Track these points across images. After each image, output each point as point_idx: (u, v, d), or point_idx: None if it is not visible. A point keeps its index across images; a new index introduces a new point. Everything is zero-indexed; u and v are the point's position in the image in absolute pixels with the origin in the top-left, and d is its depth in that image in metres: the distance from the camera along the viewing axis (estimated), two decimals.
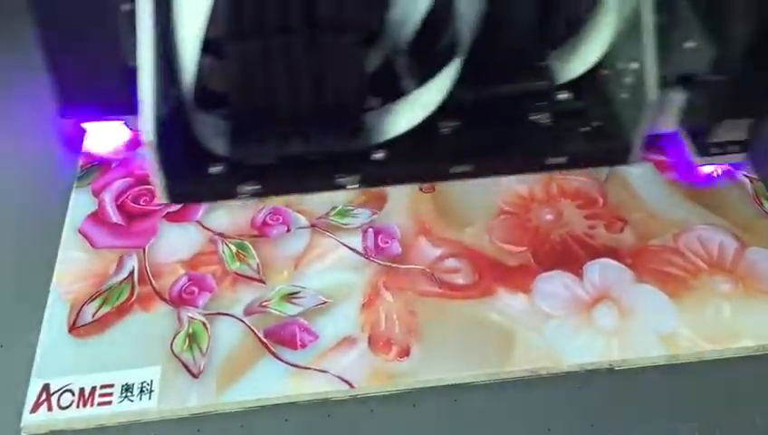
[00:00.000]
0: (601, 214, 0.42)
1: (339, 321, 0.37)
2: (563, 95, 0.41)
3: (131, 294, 0.38)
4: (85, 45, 0.37)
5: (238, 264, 0.40)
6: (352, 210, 0.42)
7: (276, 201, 0.43)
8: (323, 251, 0.40)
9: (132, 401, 0.34)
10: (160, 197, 0.37)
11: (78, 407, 0.34)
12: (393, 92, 0.39)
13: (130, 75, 0.35)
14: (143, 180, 0.44)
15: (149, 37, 0.34)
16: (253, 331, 0.37)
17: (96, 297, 0.38)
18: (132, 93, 0.35)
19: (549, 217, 0.42)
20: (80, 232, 0.41)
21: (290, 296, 0.38)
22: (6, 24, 0.55)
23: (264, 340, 0.36)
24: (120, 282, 0.39)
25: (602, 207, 0.42)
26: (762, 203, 0.42)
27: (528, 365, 0.36)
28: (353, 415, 0.35)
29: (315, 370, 0.35)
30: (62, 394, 0.35)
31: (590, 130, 0.40)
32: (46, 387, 0.35)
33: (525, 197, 0.43)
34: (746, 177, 0.44)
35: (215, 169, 0.37)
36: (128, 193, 0.43)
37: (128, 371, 0.35)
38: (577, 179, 0.44)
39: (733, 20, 0.36)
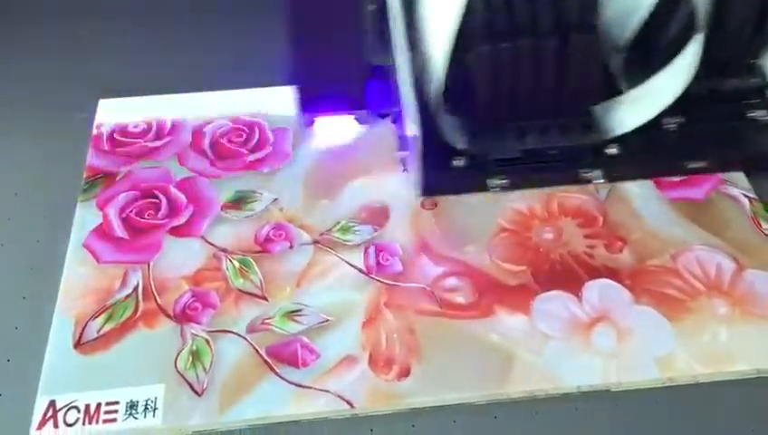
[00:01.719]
0: (601, 233, 0.42)
1: (340, 339, 0.38)
2: None
3: (136, 310, 0.39)
4: (329, 43, 0.39)
5: (242, 280, 0.40)
6: (354, 226, 0.43)
7: (279, 217, 0.43)
8: (325, 268, 0.41)
9: (137, 418, 0.35)
10: (415, 191, 0.38)
11: (84, 424, 0.35)
12: (608, 91, 0.38)
13: (369, 72, 0.38)
14: (148, 193, 0.44)
15: (404, 35, 0.35)
16: (255, 349, 0.37)
17: (101, 313, 0.39)
18: (367, 90, 0.39)
19: (549, 235, 0.42)
20: (84, 246, 0.41)
21: (292, 314, 0.39)
22: (8, 35, 0.55)
23: (267, 358, 0.37)
24: (125, 297, 0.39)
25: (602, 226, 0.43)
26: (760, 224, 0.43)
27: (526, 387, 0.36)
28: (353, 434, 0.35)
29: (317, 389, 0.36)
30: (67, 411, 0.35)
31: None
32: (52, 404, 0.35)
33: (526, 214, 0.43)
34: (745, 197, 0.44)
35: (458, 163, 0.37)
36: (132, 207, 0.43)
37: (132, 388, 0.36)
38: (578, 197, 0.44)
39: None
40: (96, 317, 0.38)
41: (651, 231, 0.42)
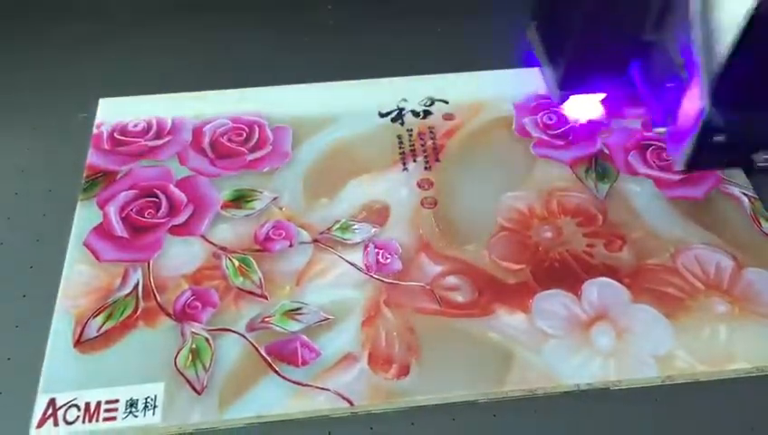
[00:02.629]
0: (601, 232, 0.42)
1: (340, 338, 0.38)
2: None
3: (136, 308, 0.39)
4: (612, 18, 0.38)
5: (241, 279, 0.40)
6: (354, 225, 0.43)
7: (279, 215, 0.43)
8: (325, 267, 0.41)
9: (137, 416, 0.35)
10: (678, 166, 0.37)
11: (84, 422, 0.35)
12: None
13: (635, 53, 0.37)
14: (148, 192, 0.44)
15: (699, 7, 0.34)
16: (255, 347, 0.37)
17: (101, 312, 0.39)
18: (633, 68, 0.38)
19: (548, 234, 0.42)
20: (85, 245, 0.41)
21: (292, 313, 0.39)
22: (9, 33, 0.56)
23: (267, 356, 0.37)
24: (125, 296, 0.39)
25: (602, 225, 0.43)
26: (760, 223, 0.43)
27: (526, 385, 0.36)
28: (353, 433, 0.35)
29: (316, 387, 0.36)
30: (67, 409, 0.35)
31: None
32: (52, 402, 0.35)
33: (525, 213, 0.43)
34: (745, 196, 0.44)
35: (718, 139, 0.37)
36: (132, 206, 0.43)
37: (132, 386, 0.36)
38: (578, 196, 0.44)
39: None
40: (96, 316, 0.38)
41: (651, 230, 0.42)
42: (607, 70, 0.41)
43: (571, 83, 0.41)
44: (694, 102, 0.35)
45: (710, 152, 0.37)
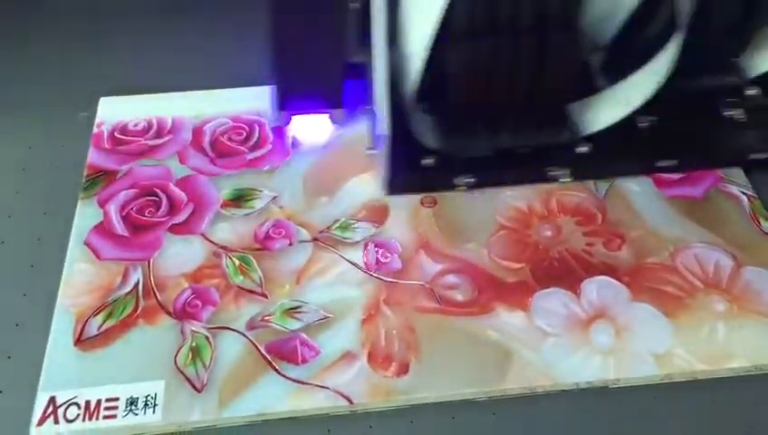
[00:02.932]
0: (600, 231, 0.42)
1: (339, 336, 0.38)
2: (752, 91, 0.40)
3: (136, 307, 0.39)
4: (308, 42, 0.39)
5: (241, 277, 0.40)
6: (354, 224, 0.43)
7: (279, 214, 0.43)
8: (325, 265, 0.41)
9: (137, 414, 0.35)
10: (382, 189, 0.38)
11: (84, 420, 0.35)
12: (586, 89, 0.39)
13: (348, 71, 0.38)
14: (148, 191, 0.44)
15: (384, 35, 0.35)
16: (255, 345, 0.37)
17: (101, 310, 0.39)
18: (345, 88, 0.38)
19: (548, 233, 0.42)
20: (85, 244, 0.42)
21: (291, 311, 0.39)
22: (10, 32, 0.56)
23: (266, 355, 0.37)
24: (125, 295, 0.39)
25: (601, 224, 0.43)
26: (759, 222, 0.43)
27: (525, 383, 0.36)
28: (352, 431, 0.35)
29: (316, 385, 0.36)
30: (68, 407, 0.35)
31: None
32: (53, 400, 0.35)
33: (525, 212, 0.43)
34: (744, 195, 0.44)
35: (427, 162, 0.37)
36: (133, 204, 0.44)
37: (132, 384, 0.36)
38: (577, 195, 0.44)
39: None
40: (96, 314, 0.39)
41: (650, 229, 0.42)
42: (321, 90, 0.42)
43: (287, 104, 0.43)
44: (381, 126, 0.36)
45: (414, 175, 0.38)
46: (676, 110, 0.39)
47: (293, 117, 0.45)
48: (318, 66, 0.41)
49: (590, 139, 0.38)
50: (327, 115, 0.45)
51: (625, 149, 0.39)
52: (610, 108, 0.38)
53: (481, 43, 0.35)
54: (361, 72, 0.40)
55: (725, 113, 0.40)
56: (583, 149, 0.38)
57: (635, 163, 0.40)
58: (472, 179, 0.38)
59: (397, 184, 0.38)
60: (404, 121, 0.37)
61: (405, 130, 0.37)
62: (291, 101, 0.43)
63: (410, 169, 0.37)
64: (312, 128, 0.46)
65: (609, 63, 0.39)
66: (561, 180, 0.39)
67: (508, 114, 0.38)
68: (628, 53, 0.38)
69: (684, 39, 0.36)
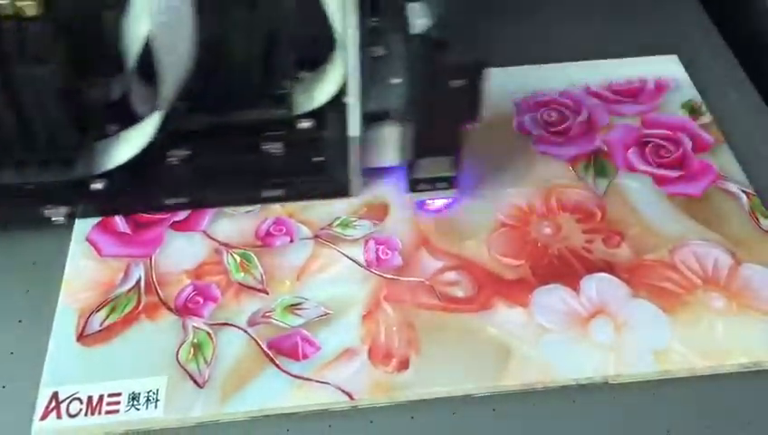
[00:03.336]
0: (599, 228, 0.43)
1: (340, 332, 0.38)
2: (305, 124, 0.41)
3: (138, 303, 0.39)
4: None
5: (242, 274, 0.41)
6: (354, 221, 0.43)
7: (280, 211, 0.43)
8: (326, 262, 0.41)
9: (139, 409, 0.35)
10: None
11: (86, 415, 0.35)
12: (133, 120, 0.39)
13: None
14: None
15: None
16: (256, 341, 0.38)
17: (104, 306, 0.39)
18: None
19: (548, 230, 0.43)
20: (87, 241, 0.42)
21: (292, 307, 0.39)
22: None
23: (268, 351, 0.37)
24: (127, 291, 0.40)
25: (600, 221, 0.43)
26: (757, 219, 0.43)
27: (525, 379, 0.36)
28: (353, 426, 0.36)
29: (317, 381, 0.36)
30: (70, 402, 0.35)
31: (323, 161, 0.42)
32: (55, 395, 0.36)
33: (525, 210, 0.44)
34: (743, 192, 0.44)
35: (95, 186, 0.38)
36: None
37: (135, 380, 0.36)
38: (577, 193, 0.44)
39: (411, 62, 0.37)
40: (99, 310, 0.39)
41: (649, 226, 0.43)
42: None
43: None
44: None
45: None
46: (213, 144, 0.40)
47: None
48: None
49: (108, 175, 0.39)
50: None
51: (140, 186, 0.40)
52: (127, 144, 0.39)
53: None
54: None
55: (264, 147, 0.41)
56: (98, 185, 0.39)
57: (144, 200, 0.42)
58: None
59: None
60: None
61: None
62: None
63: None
64: None
65: (145, 95, 0.39)
66: (54, 219, 0.40)
67: (6, 149, 0.38)
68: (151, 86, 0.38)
69: (214, 72, 0.37)
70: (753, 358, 0.37)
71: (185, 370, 0.37)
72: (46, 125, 0.37)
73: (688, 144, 0.47)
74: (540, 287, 0.40)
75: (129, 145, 0.39)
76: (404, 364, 0.37)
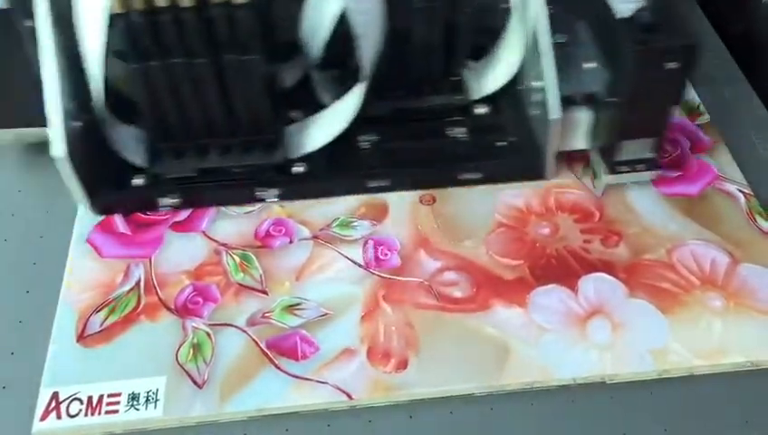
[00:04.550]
0: (597, 228, 0.43)
1: (339, 333, 0.38)
2: (481, 110, 0.42)
3: (138, 304, 0.39)
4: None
5: (242, 274, 0.41)
6: (353, 222, 0.43)
7: (279, 212, 0.44)
8: (325, 263, 0.41)
9: (138, 409, 0.36)
10: (86, 209, 0.39)
11: (86, 415, 0.35)
12: (313, 106, 0.40)
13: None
14: None
15: (51, 51, 0.36)
16: (255, 342, 0.38)
17: (104, 307, 0.39)
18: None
19: (546, 230, 0.43)
20: (87, 241, 0.42)
21: (292, 308, 0.39)
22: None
23: (267, 351, 0.38)
24: (127, 292, 0.40)
25: (598, 221, 0.43)
26: (755, 219, 0.43)
27: (522, 378, 0.37)
28: (352, 426, 0.36)
29: (316, 381, 0.36)
30: (70, 402, 0.36)
31: (507, 145, 0.43)
32: (55, 395, 0.36)
33: (523, 210, 0.44)
34: (741, 192, 0.44)
35: (137, 181, 0.38)
36: None
37: (134, 380, 0.36)
38: (574, 193, 0.45)
39: (618, 46, 0.37)
40: (99, 311, 0.39)
41: (647, 226, 0.43)
42: (19, 106, 0.41)
43: None
44: (55, 150, 0.36)
45: (115, 196, 0.40)
46: (400, 129, 0.41)
47: None
48: (12, 84, 0.41)
49: (307, 158, 0.40)
50: None
51: (339, 169, 0.41)
52: (322, 129, 0.39)
53: (152, 64, 0.35)
54: None
55: (448, 132, 0.42)
56: (299, 169, 0.39)
57: (347, 183, 0.42)
58: (177, 200, 0.38)
59: (99, 204, 0.39)
60: (100, 139, 0.37)
61: (105, 149, 0.37)
62: None
63: (116, 189, 0.38)
64: None
65: (326, 82, 0.40)
66: (268, 201, 0.40)
67: (211, 135, 0.38)
68: (337, 71, 0.39)
69: (386, 61, 0.38)
70: (750, 357, 0.37)
71: (184, 370, 0.37)
72: (249, 110, 0.38)
73: (686, 144, 0.47)
74: (538, 287, 0.40)
75: (328, 127, 0.39)
76: (403, 364, 0.37)
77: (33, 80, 0.38)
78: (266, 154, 0.39)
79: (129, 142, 0.38)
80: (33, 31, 0.37)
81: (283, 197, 0.41)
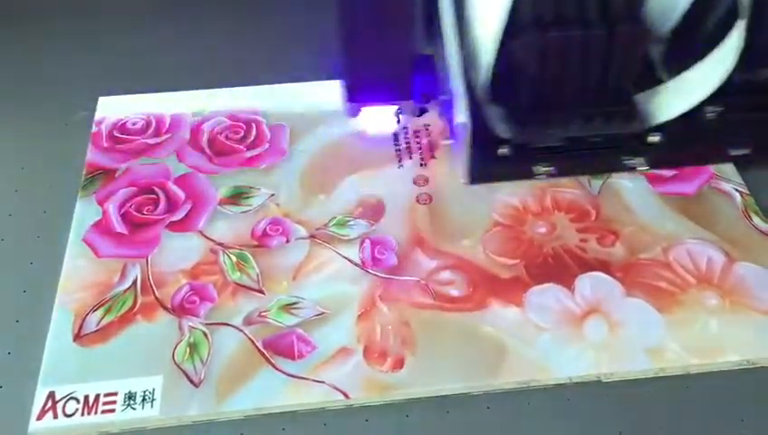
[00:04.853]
0: (594, 227, 0.43)
1: (335, 332, 0.38)
2: None
3: (134, 303, 0.39)
4: (377, 33, 0.40)
5: (238, 274, 0.41)
6: (350, 221, 0.43)
7: (276, 211, 0.44)
8: (322, 262, 0.41)
9: (135, 409, 0.36)
10: (463, 179, 0.39)
11: (82, 414, 0.35)
12: (648, 81, 0.39)
13: (416, 63, 0.39)
14: (146, 189, 0.45)
15: (454, 23, 0.36)
16: (252, 341, 0.38)
17: (100, 306, 0.39)
18: (414, 80, 0.39)
19: (542, 229, 0.43)
20: (84, 241, 0.42)
21: (288, 307, 0.39)
22: (10, 31, 0.56)
23: (263, 350, 0.38)
24: (124, 291, 0.40)
25: (595, 220, 0.43)
26: (751, 217, 0.43)
27: (519, 377, 0.37)
28: (348, 425, 0.36)
29: (312, 380, 0.36)
30: (67, 402, 0.36)
31: None
32: (52, 395, 0.36)
33: (520, 209, 0.44)
34: (737, 191, 0.44)
35: (503, 151, 0.37)
36: (131, 202, 0.44)
37: (131, 379, 0.36)
38: (571, 192, 0.45)
39: None
40: (95, 310, 0.39)
41: (643, 225, 0.43)
42: (391, 82, 0.43)
43: (357, 95, 0.43)
44: (459, 117, 0.36)
45: (493, 165, 0.38)
46: (741, 100, 0.39)
47: (362, 109, 0.45)
48: (388, 58, 0.41)
49: (661, 128, 0.38)
50: (395, 107, 0.45)
51: (696, 138, 0.39)
52: (679, 98, 0.38)
53: (549, 35, 0.35)
54: (430, 64, 0.41)
55: None
56: (654, 138, 0.39)
57: (708, 151, 0.40)
58: (551, 168, 0.38)
59: (477, 173, 0.39)
60: (479, 112, 0.37)
61: (480, 121, 0.37)
62: (360, 92, 0.43)
63: (488, 159, 0.38)
64: (379, 120, 0.47)
65: (672, 54, 0.39)
66: (639, 169, 0.39)
67: (578, 105, 0.38)
68: (690, 43, 0.38)
69: (747, 27, 0.36)
70: (746, 356, 0.37)
71: (181, 369, 0.37)
72: (621, 79, 0.37)
73: None
74: (534, 286, 0.40)
75: (687, 96, 0.38)
76: (399, 363, 0.37)
77: (408, 56, 0.40)
78: (625, 123, 0.38)
79: (495, 114, 0.38)
80: (426, 4, 0.38)
81: (650, 165, 0.40)
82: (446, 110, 0.41)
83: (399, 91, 0.43)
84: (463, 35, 0.37)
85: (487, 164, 0.39)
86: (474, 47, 0.37)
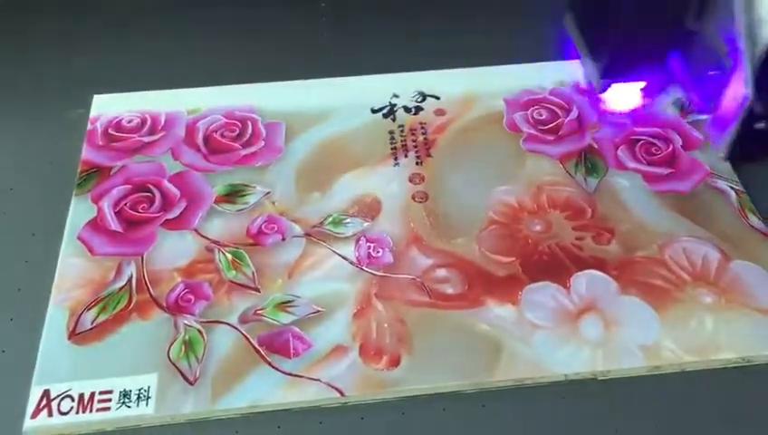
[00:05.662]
0: (590, 225, 0.43)
1: (331, 330, 0.38)
2: None
3: (129, 301, 0.39)
4: (649, 8, 0.40)
5: (234, 272, 0.41)
6: (346, 219, 0.43)
7: (272, 209, 0.43)
8: (317, 260, 0.41)
9: (130, 407, 0.35)
10: (722, 155, 0.39)
11: (77, 413, 0.35)
12: None
13: (675, 42, 0.38)
14: (141, 187, 0.45)
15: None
16: (247, 339, 0.38)
17: (95, 304, 0.39)
18: (672, 56, 0.39)
19: (538, 227, 0.43)
20: (79, 239, 0.42)
21: (284, 305, 0.39)
22: (7, 26, 0.56)
23: (259, 348, 0.37)
24: (119, 289, 0.40)
25: (591, 218, 0.43)
26: (746, 216, 0.43)
27: (515, 375, 0.37)
28: (344, 423, 0.36)
29: (308, 378, 0.36)
30: (61, 400, 0.36)
31: None
32: (46, 393, 0.36)
33: (515, 207, 0.44)
34: (732, 189, 0.44)
35: (760, 126, 0.37)
36: (126, 200, 0.44)
37: (126, 377, 0.36)
38: (567, 190, 0.45)
39: None
40: (90, 308, 0.39)
41: (639, 223, 0.43)
42: (648, 58, 0.42)
43: (613, 72, 0.43)
44: (737, 90, 0.36)
45: (752, 140, 0.38)
46: None
47: (613, 85, 0.45)
48: (651, 34, 0.41)
49: None
50: (642, 84, 0.45)
51: None
52: None
53: None
54: (686, 44, 0.41)
55: None
56: None
57: None
58: None
59: (742, 149, 0.38)
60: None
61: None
62: (617, 69, 0.43)
63: (746, 135, 0.38)
64: (622, 97, 0.47)
65: None
66: None
67: None
68: None
69: None
70: (741, 353, 0.37)
71: (176, 367, 0.37)
72: None
73: (678, 141, 0.47)
74: (530, 284, 0.40)
75: None
76: (395, 361, 0.37)
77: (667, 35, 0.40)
78: None
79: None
80: None
81: None
82: (708, 86, 0.40)
83: (656, 68, 0.42)
84: (748, 10, 0.36)
85: (747, 139, 0.38)
86: (755, 22, 0.36)
